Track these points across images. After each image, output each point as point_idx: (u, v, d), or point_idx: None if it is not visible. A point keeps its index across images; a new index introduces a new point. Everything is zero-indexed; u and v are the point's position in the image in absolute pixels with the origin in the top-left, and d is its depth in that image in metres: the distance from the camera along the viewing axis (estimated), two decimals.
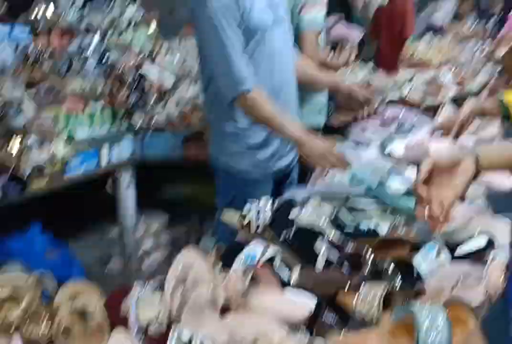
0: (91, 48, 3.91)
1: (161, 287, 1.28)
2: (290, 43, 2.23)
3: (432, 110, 2.76)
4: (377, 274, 1.33)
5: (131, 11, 4.31)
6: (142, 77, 4.11)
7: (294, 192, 1.91)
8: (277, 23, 2.10)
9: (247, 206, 1.66)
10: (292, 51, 2.26)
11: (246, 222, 1.58)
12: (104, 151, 3.47)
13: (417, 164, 2.03)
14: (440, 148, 2.00)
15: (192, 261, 1.29)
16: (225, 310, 1.18)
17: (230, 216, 1.69)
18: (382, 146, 2.20)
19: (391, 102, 3.21)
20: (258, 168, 2.16)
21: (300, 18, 2.61)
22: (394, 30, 6.31)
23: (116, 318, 1.17)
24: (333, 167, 1.96)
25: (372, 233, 1.53)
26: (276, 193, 2.14)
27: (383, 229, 1.59)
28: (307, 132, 2.03)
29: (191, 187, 4.08)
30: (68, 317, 1.17)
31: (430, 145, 2.07)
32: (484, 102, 1.99)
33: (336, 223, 1.63)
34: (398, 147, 2.17)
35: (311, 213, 1.55)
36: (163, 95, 4.33)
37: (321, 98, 2.84)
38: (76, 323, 1.16)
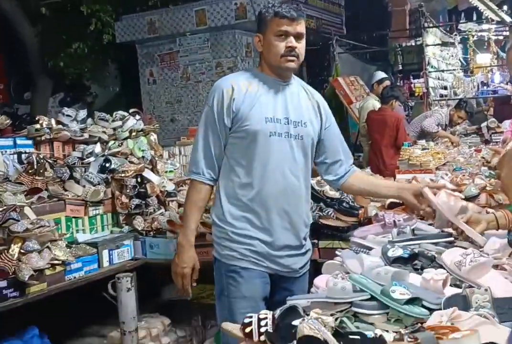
0: (93, 156, 4.05)
1: None
2: (297, 154, 2.33)
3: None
4: None
5: (132, 122, 4.49)
6: (143, 182, 4.21)
7: (297, 299, 1.87)
8: (284, 137, 2.26)
9: (249, 314, 1.62)
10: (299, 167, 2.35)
11: (248, 330, 1.54)
12: (105, 254, 3.47)
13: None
14: None
15: None
16: None
17: (231, 326, 1.65)
18: (384, 252, 2.20)
19: (391, 205, 3.25)
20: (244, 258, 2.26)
21: None
22: (388, 136, 6.56)
23: None
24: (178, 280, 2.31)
25: (378, 342, 1.48)
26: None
27: (388, 338, 1.55)
28: (185, 243, 2.28)
29: (193, 288, 4.03)
30: None
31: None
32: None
33: (340, 331, 1.59)
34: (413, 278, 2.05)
35: (314, 322, 1.51)
36: (163, 199, 4.41)
37: None
38: None
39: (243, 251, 2.24)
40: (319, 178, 3.30)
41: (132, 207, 4.08)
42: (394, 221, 2.63)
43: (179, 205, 4.40)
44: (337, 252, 2.21)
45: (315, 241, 3.43)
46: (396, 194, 2.46)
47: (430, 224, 2.75)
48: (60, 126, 4.04)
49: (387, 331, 1.70)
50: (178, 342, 3.94)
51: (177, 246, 2.32)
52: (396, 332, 1.60)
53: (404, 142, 5.94)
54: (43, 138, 3.88)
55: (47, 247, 3.03)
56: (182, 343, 3.94)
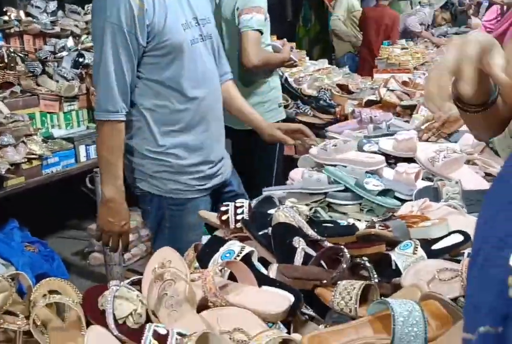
0: (65, 51, 3.92)
1: (138, 284, 1.28)
2: (214, 60, 2.08)
3: (409, 110, 2.80)
4: (354, 269, 1.34)
5: None
6: None
7: (273, 189, 1.91)
8: (200, 41, 1.96)
9: (226, 203, 1.66)
10: (216, 69, 2.10)
11: (224, 218, 1.58)
12: (82, 150, 3.47)
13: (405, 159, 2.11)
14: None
15: (170, 258, 1.29)
16: (202, 307, 1.18)
17: (208, 214, 1.69)
18: (360, 147, 2.23)
19: (369, 103, 3.26)
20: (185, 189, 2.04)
21: (239, 20, 2.75)
22: (378, 34, 6.43)
23: (93, 314, 1.16)
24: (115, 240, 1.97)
25: (350, 229, 1.54)
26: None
27: (361, 226, 1.61)
28: (118, 196, 1.91)
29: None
30: (44, 313, 1.16)
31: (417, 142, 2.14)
32: None
33: (314, 219, 1.64)
34: (385, 144, 2.21)
35: (289, 210, 1.55)
36: None
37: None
38: (53, 319, 1.15)
39: (190, 182, 2.02)
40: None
41: None
42: (371, 117, 2.65)
43: None
44: (310, 150, 2.22)
45: None
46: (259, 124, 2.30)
47: (406, 121, 2.78)
48: (30, 18, 3.87)
49: (359, 220, 1.77)
50: None
51: (105, 202, 1.92)
52: (367, 221, 1.66)
53: (384, 41, 5.83)
54: (12, 30, 3.73)
55: (22, 141, 3.00)
56: None
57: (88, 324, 1.13)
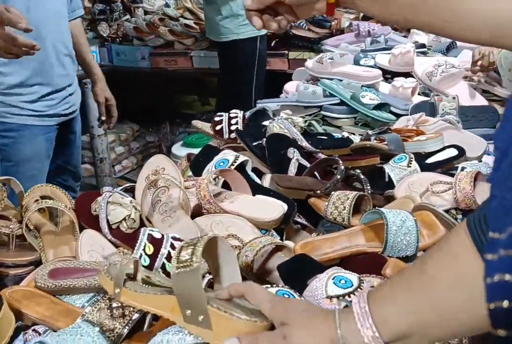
0: None
1: (131, 191, 1.27)
2: None
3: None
4: (347, 181, 1.34)
5: None
6: None
7: (267, 102, 1.88)
8: None
9: (219, 113, 1.63)
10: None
11: (218, 128, 1.55)
12: None
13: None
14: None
15: (163, 165, 1.27)
16: (196, 214, 1.19)
17: (202, 124, 1.66)
18: (357, 61, 2.17)
19: (366, 16, 3.13)
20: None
21: None
22: None
23: (86, 219, 1.15)
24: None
25: (344, 142, 1.52)
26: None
27: (355, 140, 1.59)
28: None
29: (161, 97, 4.04)
30: (36, 217, 1.15)
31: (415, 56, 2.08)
32: None
33: (309, 132, 1.62)
34: (382, 58, 2.15)
35: (284, 121, 1.52)
36: (129, 5, 4.15)
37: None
38: (45, 223, 1.15)
39: (22, 105, 1.89)
40: None
41: (96, 13, 3.86)
42: (369, 30, 2.56)
43: (145, 12, 4.16)
44: (306, 63, 2.16)
45: (285, 51, 3.38)
46: None
47: (404, 36, 2.69)
48: None
49: (353, 134, 1.75)
50: (147, 147, 4.08)
51: None
52: (362, 135, 1.65)
53: None
54: None
55: None
56: (151, 148, 4.08)
57: (81, 229, 1.13)
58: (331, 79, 1.97)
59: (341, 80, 1.96)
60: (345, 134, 1.69)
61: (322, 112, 1.82)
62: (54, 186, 1.26)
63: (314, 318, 0.67)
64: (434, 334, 0.64)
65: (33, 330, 0.82)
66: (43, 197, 1.20)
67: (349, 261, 1.04)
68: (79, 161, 2.35)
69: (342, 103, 1.82)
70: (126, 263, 0.79)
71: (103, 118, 2.30)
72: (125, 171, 3.84)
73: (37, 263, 1.06)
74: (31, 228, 1.12)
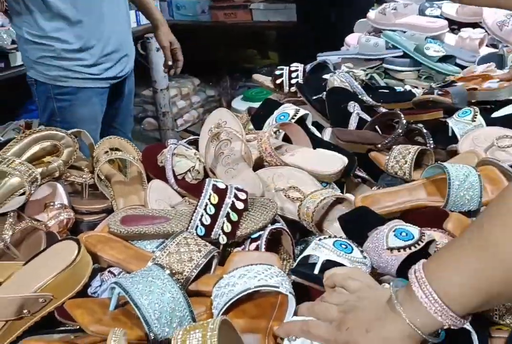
0: None
1: (194, 144, 1.30)
2: None
3: None
4: (409, 135, 1.33)
5: None
6: None
7: (327, 55, 1.85)
8: None
9: (280, 67, 1.63)
10: None
11: (279, 82, 1.56)
12: (132, 14, 3.39)
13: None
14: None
15: (225, 118, 1.30)
16: (258, 166, 1.21)
17: (262, 78, 1.66)
18: (422, 10, 2.10)
19: None
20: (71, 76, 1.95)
21: None
22: None
23: (153, 170, 1.20)
24: None
25: (407, 95, 1.50)
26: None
27: (418, 92, 1.56)
28: None
29: (222, 51, 4.03)
30: (107, 168, 1.21)
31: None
32: None
33: (370, 85, 1.60)
34: (448, 8, 2.07)
35: (345, 75, 1.51)
36: None
37: None
38: (115, 174, 1.21)
39: (76, 68, 1.93)
40: None
41: None
42: None
43: None
44: (368, 14, 2.09)
45: None
46: None
47: None
48: None
49: (416, 87, 1.72)
50: (207, 101, 4.12)
51: None
52: (425, 89, 1.61)
53: None
54: None
55: None
56: (211, 102, 4.13)
57: (149, 179, 1.18)
58: (394, 31, 1.92)
59: (404, 32, 1.91)
60: (408, 88, 1.66)
61: (384, 65, 1.79)
62: (123, 138, 1.31)
63: (376, 320, 0.66)
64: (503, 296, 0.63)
65: (109, 271, 0.88)
66: (112, 149, 1.25)
67: (409, 215, 1.04)
68: (128, 122, 2.32)
69: (405, 55, 1.78)
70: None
71: (170, 62, 2.29)
72: (186, 124, 3.91)
73: (109, 210, 1.12)
74: (102, 178, 1.17)
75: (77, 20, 1.85)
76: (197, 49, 3.94)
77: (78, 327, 0.78)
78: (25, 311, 0.79)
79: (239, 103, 3.24)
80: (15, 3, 1.86)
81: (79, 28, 1.86)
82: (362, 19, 2.20)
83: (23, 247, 0.99)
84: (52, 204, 1.07)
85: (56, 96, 1.93)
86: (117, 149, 1.26)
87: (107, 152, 1.23)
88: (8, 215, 1.02)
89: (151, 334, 0.73)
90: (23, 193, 1.07)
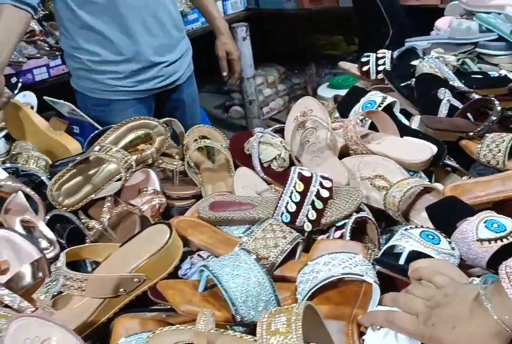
0: None
1: (280, 132, 1.32)
2: None
3: None
4: (504, 123, 1.27)
5: None
6: None
7: (416, 40, 1.80)
8: None
9: (366, 54, 1.61)
10: None
11: (365, 69, 1.54)
12: (219, 4, 3.46)
13: None
14: None
15: (311, 107, 1.30)
16: (343, 154, 1.21)
17: (348, 65, 1.65)
18: None
19: None
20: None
21: None
22: None
23: (240, 158, 1.23)
24: None
25: (502, 81, 1.43)
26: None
27: None
28: None
29: (307, 38, 4.02)
30: (196, 155, 1.25)
31: None
32: None
33: (462, 71, 1.55)
34: None
35: (435, 60, 1.46)
36: None
37: None
38: (204, 161, 1.25)
39: (108, 81, 1.86)
40: None
41: None
42: None
43: None
44: None
45: None
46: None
47: None
48: None
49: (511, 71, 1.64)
50: (293, 89, 4.13)
51: None
52: None
53: None
54: None
55: None
56: (297, 90, 4.13)
57: (235, 166, 1.21)
58: (489, 13, 1.83)
59: (499, 14, 1.82)
60: (503, 73, 1.58)
61: (477, 49, 1.71)
62: (211, 127, 1.35)
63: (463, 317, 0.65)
64: None
65: (198, 255, 0.91)
66: (201, 137, 1.30)
67: (502, 206, 1.01)
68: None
69: (500, 38, 1.69)
70: None
71: (224, 73, 2.17)
72: (272, 112, 3.95)
73: (198, 196, 1.16)
74: (192, 165, 1.22)
75: (105, 32, 1.80)
76: (282, 37, 3.95)
77: (169, 306, 0.83)
78: (121, 290, 0.85)
79: (325, 91, 3.21)
80: (55, 12, 1.88)
81: (108, 40, 1.81)
82: (454, 2, 2.11)
83: (119, 229, 1.06)
84: (145, 189, 1.12)
85: (92, 106, 1.90)
86: (205, 137, 1.30)
87: (196, 140, 1.27)
88: (106, 200, 1.09)
89: (237, 316, 0.75)
90: (119, 179, 1.13)
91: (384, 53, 1.59)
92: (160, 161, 1.23)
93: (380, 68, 1.54)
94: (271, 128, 1.33)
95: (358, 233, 0.96)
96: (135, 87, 1.88)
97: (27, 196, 1.11)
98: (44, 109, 2.03)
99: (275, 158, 1.18)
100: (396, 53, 1.65)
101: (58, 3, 1.79)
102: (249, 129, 3.53)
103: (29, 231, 1.06)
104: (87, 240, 1.03)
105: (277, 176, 1.15)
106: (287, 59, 3.95)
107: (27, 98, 1.90)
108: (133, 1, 1.78)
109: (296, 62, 4.04)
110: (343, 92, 1.49)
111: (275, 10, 3.80)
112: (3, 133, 1.56)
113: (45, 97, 1.70)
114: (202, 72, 4.26)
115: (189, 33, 3.35)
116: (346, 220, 0.95)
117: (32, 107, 1.71)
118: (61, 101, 1.65)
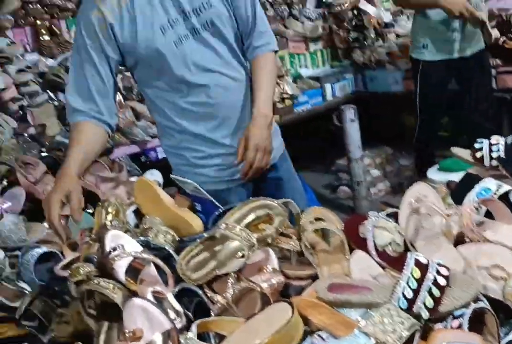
0: None
1: (393, 216, 1.36)
2: (216, 46, 1.78)
3: None
4: None
5: None
6: (359, 14, 4.16)
7: None
8: (190, 36, 1.74)
9: (480, 140, 1.63)
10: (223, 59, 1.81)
11: (479, 156, 1.56)
12: (328, 88, 3.64)
13: None
14: None
15: (425, 193, 1.34)
16: (458, 242, 1.22)
17: (461, 151, 1.68)
18: None
19: None
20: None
21: None
22: None
23: (355, 241, 1.28)
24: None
25: None
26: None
27: None
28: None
29: (414, 120, 4.08)
30: (312, 236, 1.32)
31: None
32: None
33: None
34: None
35: None
36: (381, 31, 4.31)
37: None
38: (320, 242, 1.31)
39: (210, 173, 1.88)
40: None
41: (351, 41, 4.10)
42: None
43: (397, 36, 4.27)
44: None
45: None
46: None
47: None
48: None
49: None
50: (401, 170, 4.13)
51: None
52: None
53: None
54: None
55: (277, 83, 3.25)
56: (405, 171, 4.13)
57: (350, 249, 1.26)
58: None
59: None
60: None
61: None
62: (326, 209, 1.41)
63: None
64: None
65: (318, 335, 0.96)
66: (316, 219, 1.37)
67: None
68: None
69: None
70: None
71: (236, 161, 1.83)
72: (380, 194, 3.96)
73: (313, 277, 1.21)
74: (308, 246, 1.28)
75: (206, 134, 1.85)
76: (390, 119, 4.03)
77: None
78: None
79: (435, 173, 3.18)
80: (156, 120, 1.97)
81: (209, 139, 1.85)
82: None
83: (240, 305, 1.12)
84: (265, 268, 1.20)
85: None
86: (320, 219, 1.37)
87: (311, 221, 1.34)
88: (229, 275, 1.17)
89: None
90: (242, 256, 1.21)
91: (498, 140, 1.61)
92: (278, 240, 1.31)
93: (494, 154, 1.56)
94: (384, 212, 1.37)
95: (476, 324, 0.96)
96: (235, 175, 1.87)
97: (156, 268, 1.22)
98: (165, 185, 2.21)
99: (390, 243, 1.22)
100: (510, 139, 1.66)
101: (155, 114, 1.91)
102: (357, 210, 3.55)
103: (159, 301, 1.15)
104: (212, 314, 1.11)
105: (392, 261, 1.18)
106: (394, 140, 4.00)
107: (154, 176, 2.10)
108: (218, 95, 1.81)
109: (404, 144, 4.08)
110: (454, 176, 1.51)
111: (382, 92, 3.92)
112: (133, 208, 1.72)
113: (172, 176, 1.86)
114: (312, 152, 4.43)
115: (301, 114, 3.54)
116: (463, 310, 0.96)
117: (159, 184, 1.88)
118: (186, 179, 1.79)
